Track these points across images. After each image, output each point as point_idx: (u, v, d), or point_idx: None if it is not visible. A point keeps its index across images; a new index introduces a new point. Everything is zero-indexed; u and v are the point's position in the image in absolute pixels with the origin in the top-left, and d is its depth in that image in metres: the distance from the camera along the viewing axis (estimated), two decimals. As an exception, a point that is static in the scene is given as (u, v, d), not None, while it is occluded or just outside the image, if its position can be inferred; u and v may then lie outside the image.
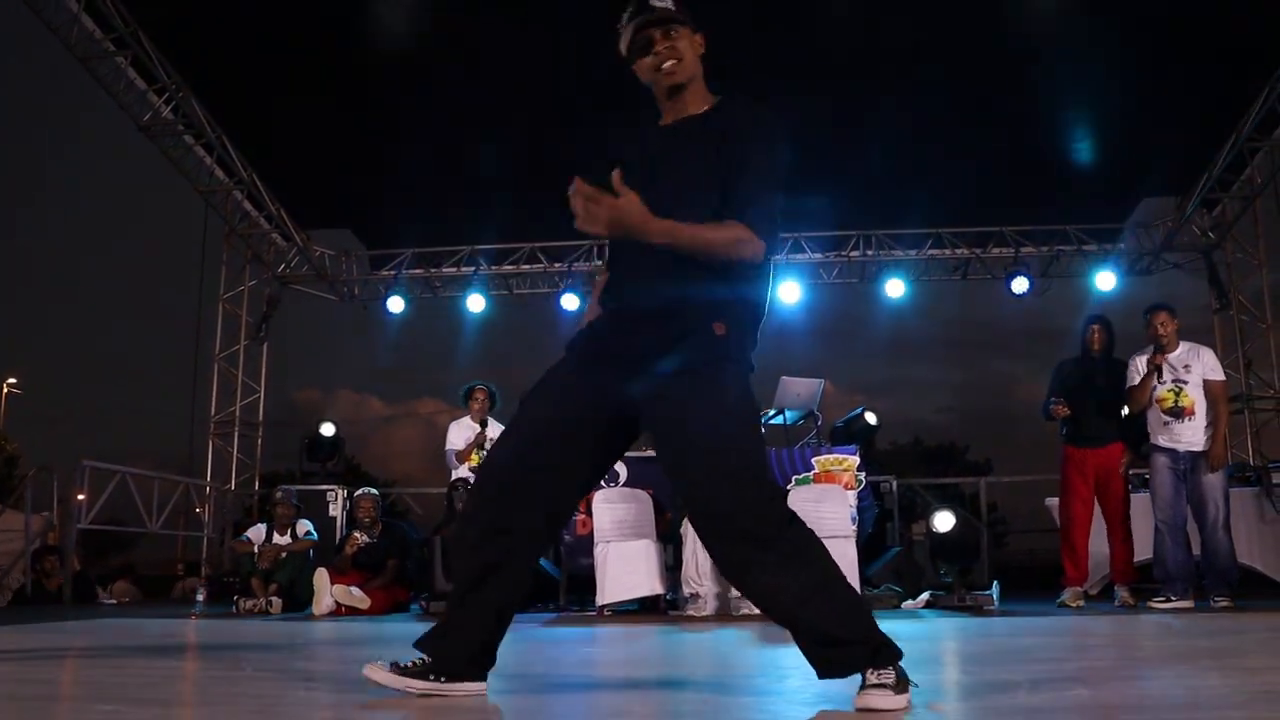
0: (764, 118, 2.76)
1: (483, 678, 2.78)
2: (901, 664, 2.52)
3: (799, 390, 8.66)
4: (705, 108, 2.84)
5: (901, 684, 2.49)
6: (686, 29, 2.82)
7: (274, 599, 8.33)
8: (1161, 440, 7.10)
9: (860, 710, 2.45)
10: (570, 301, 12.68)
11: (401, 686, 2.70)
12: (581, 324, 2.96)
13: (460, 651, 2.76)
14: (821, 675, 2.57)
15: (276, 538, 8.89)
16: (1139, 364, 7.20)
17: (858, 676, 2.50)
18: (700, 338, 2.62)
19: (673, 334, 2.59)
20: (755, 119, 2.75)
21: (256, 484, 13.09)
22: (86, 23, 9.79)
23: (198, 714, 2.69)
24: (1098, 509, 7.44)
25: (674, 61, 2.79)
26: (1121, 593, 7.24)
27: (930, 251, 12.98)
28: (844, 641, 2.52)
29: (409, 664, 2.74)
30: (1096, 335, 7.59)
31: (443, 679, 2.72)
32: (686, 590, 7.16)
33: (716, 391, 2.62)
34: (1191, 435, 7.01)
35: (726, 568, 2.71)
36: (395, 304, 13.14)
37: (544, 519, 2.82)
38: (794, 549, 2.56)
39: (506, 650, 3.54)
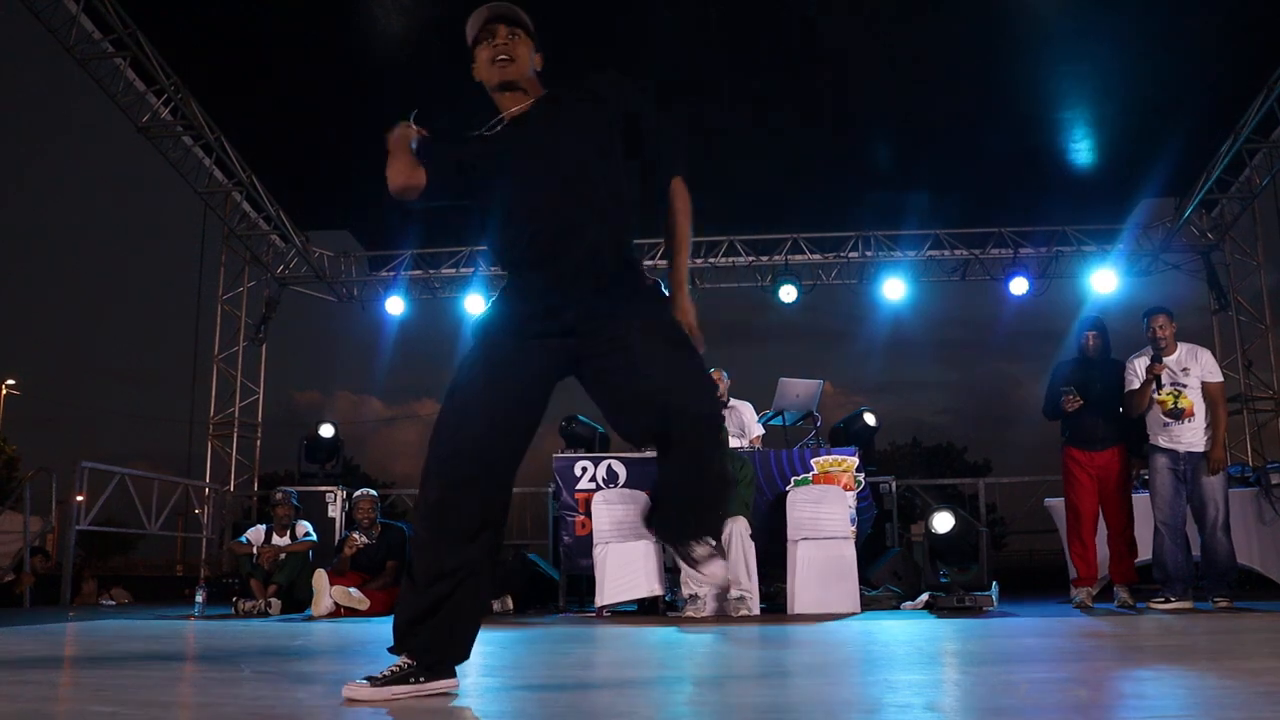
0: (626, 80, 3.04)
1: (454, 673, 2.88)
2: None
3: (798, 391, 8.67)
4: (545, 91, 3.09)
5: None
6: (529, 38, 3.09)
7: (273, 600, 8.33)
8: (1161, 441, 7.10)
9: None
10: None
11: (387, 697, 2.74)
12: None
13: (448, 650, 2.85)
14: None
15: (275, 539, 8.89)
16: (1137, 366, 7.19)
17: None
18: (641, 290, 2.90)
19: (619, 293, 2.84)
20: (621, 81, 3.03)
21: (255, 485, 13.10)
22: (85, 24, 9.78)
23: (196, 716, 2.69)
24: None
25: (505, 59, 3.02)
26: (1121, 593, 7.24)
27: (929, 252, 12.99)
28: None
29: (385, 672, 2.80)
30: (1091, 341, 7.60)
31: (423, 679, 2.80)
32: (685, 591, 7.17)
33: (668, 324, 2.88)
34: (1191, 437, 7.01)
35: (698, 459, 2.81)
36: (394, 305, 13.14)
37: (503, 506, 2.92)
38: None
39: (506, 651, 3.53)
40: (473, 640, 2.91)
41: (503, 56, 3.03)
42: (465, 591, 2.81)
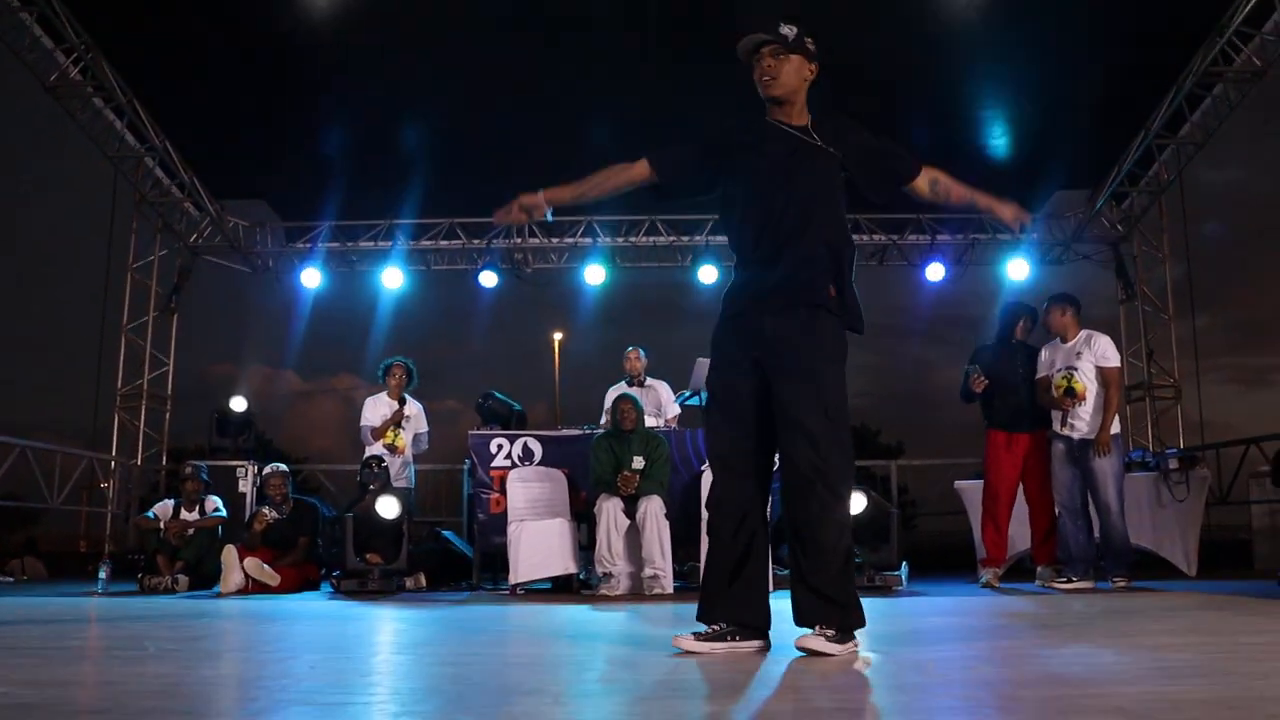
0: (852, 123, 3.64)
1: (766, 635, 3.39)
2: None
3: (716, 372, 8.71)
4: (805, 122, 3.55)
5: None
6: (797, 56, 3.50)
7: (180, 577, 8.17)
8: (1059, 428, 7.31)
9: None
10: (488, 278, 12.57)
11: (706, 650, 3.27)
12: None
13: (752, 615, 3.37)
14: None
15: (184, 514, 8.71)
16: (1044, 355, 7.43)
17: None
18: None
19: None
20: (850, 125, 3.62)
21: (164, 459, 12.79)
22: (-14, -24, 9.41)
23: (97, 695, 2.63)
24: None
25: (770, 78, 3.49)
26: (1046, 572, 7.42)
27: (849, 237, 13.08)
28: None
29: (706, 631, 3.33)
30: (1024, 326, 7.76)
31: (738, 637, 3.33)
32: (599, 569, 7.18)
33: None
34: (1084, 424, 7.21)
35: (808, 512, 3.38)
36: (310, 277, 12.92)
37: (762, 491, 3.61)
38: None
39: (418, 629, 3.48)
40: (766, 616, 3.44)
41: (766, 76, 3.51)
42: (747, 575, 3.42)
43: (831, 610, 3.19)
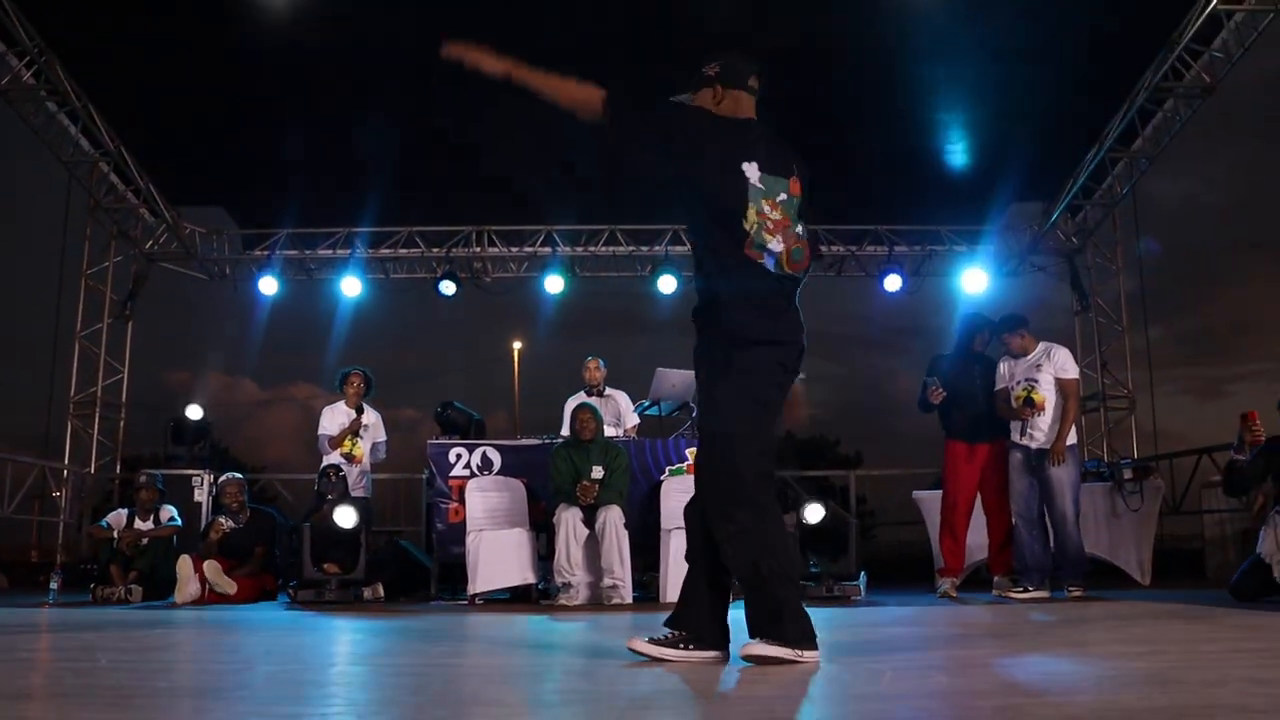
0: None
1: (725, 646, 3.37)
2: None
3: (674, 382, 8.71)
4: None
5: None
6: (700, 92, 3.82)
7: (134, 587, 8.06)
8: (1017, 438, 7.37)
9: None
10: (447, 287, 12.51)
11: (655, 653, 3.29)
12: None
13: (708, 627, 3.36)
14: None
15: (138, 523, 8.61)
16: (1002, 369, 7.50)
17: None
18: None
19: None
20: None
21: (118, 468, 12.62)
22: (-67, -23, 9.24)
23: (47, 708, 2.59)
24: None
25: None
26: (1003, 582, 7.47)
27: (807, 247, 13.12)
28: None
29: (660, 636, 3.33)
30: (983, 339, 7.82)
31: (691, 646, 3.31)
32: (559, 579, 7.17)
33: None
34: (1042, 435, 7.28)
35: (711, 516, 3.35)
36: (268, 285, 12.80)
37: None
38: None
39: (377, 639, 3.46)
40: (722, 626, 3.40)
41: None
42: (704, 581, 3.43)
43: (763, 622, 3.19)
